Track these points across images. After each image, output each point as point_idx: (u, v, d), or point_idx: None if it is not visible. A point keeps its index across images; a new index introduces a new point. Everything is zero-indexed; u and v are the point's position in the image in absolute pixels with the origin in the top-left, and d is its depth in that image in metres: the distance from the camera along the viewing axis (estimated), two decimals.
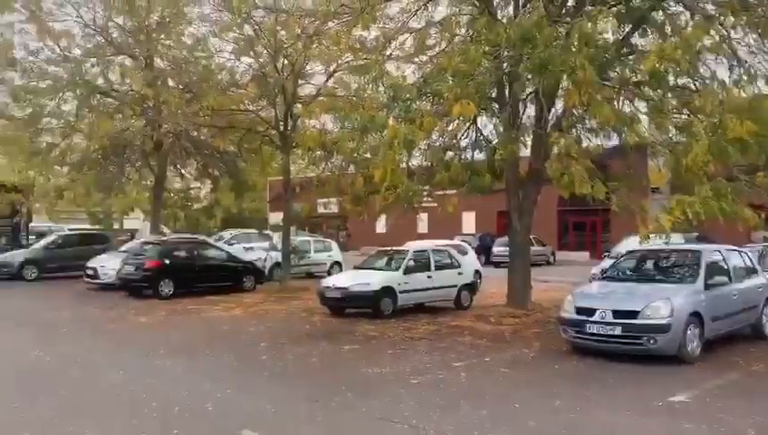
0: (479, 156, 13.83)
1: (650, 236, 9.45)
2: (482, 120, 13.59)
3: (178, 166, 25.82)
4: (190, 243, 19.45)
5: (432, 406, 6.74)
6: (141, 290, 17.13)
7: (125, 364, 8.88)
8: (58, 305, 15.28)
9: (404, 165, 12.35)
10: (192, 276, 17.57)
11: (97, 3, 20.91)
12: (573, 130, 11.97)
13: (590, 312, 9.11)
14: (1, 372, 8.30)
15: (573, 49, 9.36)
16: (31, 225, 28.33)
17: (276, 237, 22.22)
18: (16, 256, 22.03)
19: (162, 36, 21.63)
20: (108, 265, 18.88)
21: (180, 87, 21.40)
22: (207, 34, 20.30)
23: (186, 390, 7.45)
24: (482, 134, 13.71)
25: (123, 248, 21.05)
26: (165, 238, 20.60)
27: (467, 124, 12.94)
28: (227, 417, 6.39)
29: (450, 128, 12.90)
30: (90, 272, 19.24)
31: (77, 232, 26.63)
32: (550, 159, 11.13)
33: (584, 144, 12.92)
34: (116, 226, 35.99)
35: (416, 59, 14.38)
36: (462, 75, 9.93)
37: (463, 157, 13.45)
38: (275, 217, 35.88)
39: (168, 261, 17.30)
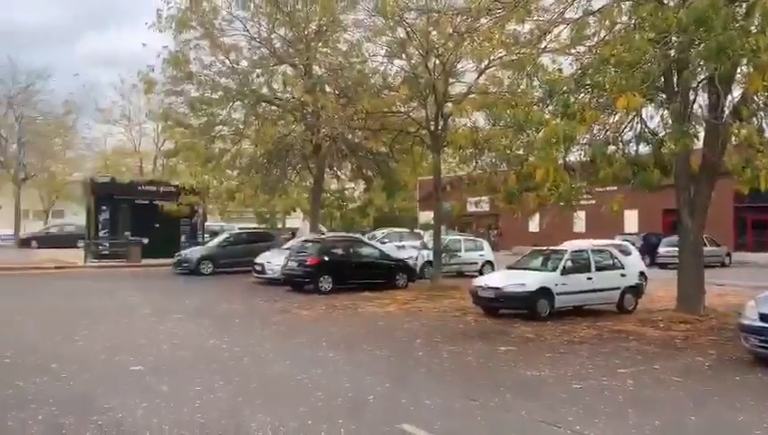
0: (644, 150, 12.98)
1: None
2: (647, 112, 12.75)
3: (335, 168, 26.95)
4: (347, 241, 20.24)
5: (597, 413, 6.44)
6: (303, 285, 18.12)
7: (291, 355, 9.43)
8: (230, 298, 16.59)
9: (561, 161, 11.95)
10: (348, 273, 18.29)
11: (261, 17, 22.41)
12: (755, 119, 10.82)
13: None
14: (184, 358, 9.15)
15: (754, 30, 8.47)
16: (206, 224, 31.14)
17: (427, 236, 22.47)
18: (194, 252, 24.25)
19: (320, 44, 22.68)
20: (273, 261, 20.18)
21: (336, 92, 22.34)
22: (361, 40, 21.01)
23: (347, 382, 7.75)
24: (647, 126, 12.85)
25: (286, 246, 22.37)
26: (323, 237, 21.60)
27: (631, 116, 12.18)
28: (388, 410, 6.55)
29: (612, 121, 12.22)
30: (258, 268, 20.70)
31: (246, 231, 28.81)
32: (727, 151, 10.17)
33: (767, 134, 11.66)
34: (279, 225, 38.43)
35: (572, 50, 13.80)
36: (626, 65, 9.36)
37: (626, 151, 12.69)
38: (425, 216, 36.37)
39: (327, 258, 18.15)
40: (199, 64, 22.61)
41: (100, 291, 17.51)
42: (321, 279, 17.69)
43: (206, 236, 29.72)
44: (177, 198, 24.77)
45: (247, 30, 22.46)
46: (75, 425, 5.88)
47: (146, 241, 26.89)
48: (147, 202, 27.76)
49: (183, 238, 28.58)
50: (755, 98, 10.30)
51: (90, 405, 6.53)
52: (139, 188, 29.37)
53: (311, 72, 22.68)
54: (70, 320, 12.31)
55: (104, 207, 28.45)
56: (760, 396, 7.10)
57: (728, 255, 29.38)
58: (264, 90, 23.34)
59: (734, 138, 10.13)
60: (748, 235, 32.74)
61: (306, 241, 20.68)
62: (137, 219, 27.82)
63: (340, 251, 19.07)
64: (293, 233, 32.11)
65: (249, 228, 32.00)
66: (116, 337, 10.65)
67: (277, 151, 23.04)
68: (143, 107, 39.66)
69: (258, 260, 20.91)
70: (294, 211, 32.94)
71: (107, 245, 27.93)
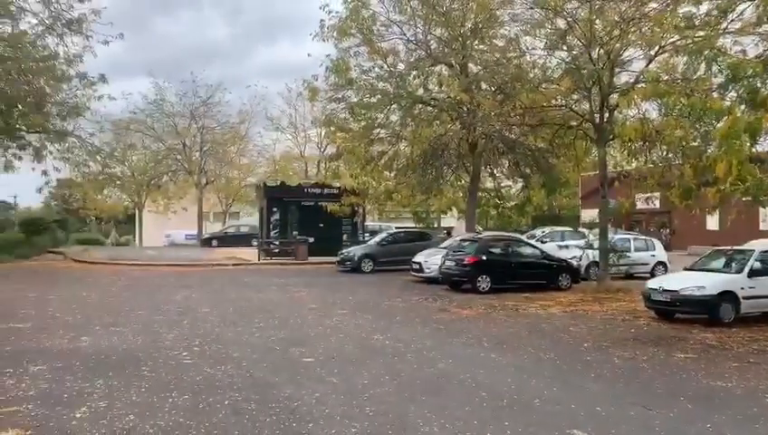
0: None
1: None
2: None
3: (491, 166, 26.63)
4: (505, 240, 19.90)
5: None
6: (461, 284, 18.11)
7: (453, 353, 9.43)
8: (390, 295, 17.00)
9: (747, 152, 10.82)
10: (507, 273, 17.97)
11: (418, 19, 22.75)
12: None
13: None
14: (351, 352, 9.50)
15: None
16: (365, 224, 32.27)
17: (592, 235, 21.44)
18: (356, 251, 25.19)
19: (476, 42, 22.53)
20: (431, 260, 20.38)
21: (493, 89, 22.07)
22: (519, 34, 20.55)
23: (512, 383, 7.59)
24: None
25: (443, 245, 22.49)
26: (481, 236, 21.43)
27: None
28: (556, 414, 6.32)
29: None
30: (416, 266, 21.03)
31: (404, 230, 29.43)
32: None
33: None
34: (434, 224, 38.75)
35: (759, 29, 12.45)
36: None
37: None
38: (588, 214, 34.75)
39: (485, 257, 17.97)
40: (359, 70, 23.48)
41: (271, 286, 18.76)
42: (479, 279, 17.55)
43: (365, 235, 30.76)
44: (340, 199, 25.91)
45: (404, 33, 22.94)
46: (256, 411, 6.33)
47: (311, 240, 28.43)
48: (312, 203, 29.38)
49: (345, 237, 29.83)
50: None
51: (268, 393, 7.01)
52: (305, 190, 31.12)
53: (466, 70, 22.62)
54: (247, 312, 13.31)
55: (274, 209, 30.54)
56: None
57: None
58: (420, 91, 23.66)
59: None
60: None
61: (464, 240, 20.63)
62: (303, 220, 29.54)
63: (498, 250, 18.79)
64: (449, 232, 32.24)
65: (406, 228, 32.63)
66: (288, 329, 11.33)
67: (433, 151, 23.24)
68: (308, 114, 42.16)
69: (416, 259, 21.23)
70: (450, 211, 33.02)
71: (277, 243, 29.90)
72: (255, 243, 32.71)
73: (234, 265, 26.97)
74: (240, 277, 21.56)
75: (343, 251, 25.51)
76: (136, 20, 66.84)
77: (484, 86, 22.89)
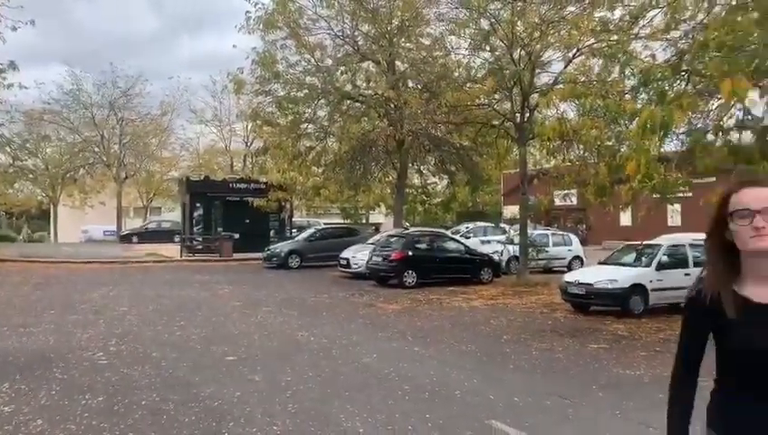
0: (747, 138, 12.16)
1: None
2: (750, 98, 11.93)
3: (417, 163, 26.97)
4: (430, 236, 20.22)
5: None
6: (387, 279, 18.28)
7: (378, 348, 9.51)
8: (317, 291, 16.94)
9: (655, 152, 11.41)
10: (433, 268, 18.29)
11: (345, 14, 22.71)
12: None
13: None
14: (275, 349, 9.42)
15: None
16: (292, 220, 31.97)
17: (512, 231, 22.09)
18: (283, 247, 24.94)
19: (402, 39, 22.73)
20: (358, 255, 20.46)
21: (419, 87, 22.34)
22: (444, 33, 20.88)
23: (434, 376, 7.73)
24: (750, 113, 12.04)
25: (370, 241, 22.61)
26: (408, 232, 21.69)
27: (733, 103, 11.46)
28: (475, 406, 6.49)
29: (712, 108, 11.54)
30: (343, 262, 21.05)
31: (331, 226, 29.37)
32: None
33: None
34: (362, 220, 38.90)
35: (667, 36, 13.14)
36: (728, 49, 8.80)
37: (727, 140, 11.95)
38: (510, 211, 35.75)
39: (411, 253, 18.21)
40: (286, 64, 23.22)
41: (194, 283, 18.33)
42: (406, 274, 17.78)
43: (293, 231, 30.51)
44: (266, 194, 25.56)
45: (331, 28, 22.85)
46: (175, 411, 6.18)
47: (237, 236, 27.91)
48: (237, 199, 28.79)
49: (272, 233, 29.47)
50: None
51: (188, 392, 6.85)
52: (231, 185, 30.50)
53: (394, 67, 22.78)
54: (168, 311, 12.95)
55: (198, 204, 29.78)
56: None
57: None
58: (348, 87, 23.66)
59: None
60: None
61: (391, 236, 20.82)
62: (228, 215, 28.94)
63: (424, 246, 19.10)
64: (377, 228, 32.46)
65: (334, 224, 32.61)
66: (210, 327, 11.10)
67: (361, 148, 23.31)
68: (233, 107, 41.31)
69: (344, 255, 21.26)
70: (378, 207, 33.26)
71: (201, 240, 29.20)
72: (178, 239, 31.81)
73: (154, 262, 26.17)
74: (161, 275, 20.94)
75: (270, 247, 25.20)
76: (52, 5, 63.47)
77: (411, 84, 23.13)
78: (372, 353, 9.09)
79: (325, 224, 31.59)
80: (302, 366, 8.17)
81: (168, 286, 17.41)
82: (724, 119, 12.18)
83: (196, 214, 29.73)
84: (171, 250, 29.90)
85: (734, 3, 11.02)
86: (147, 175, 46.25)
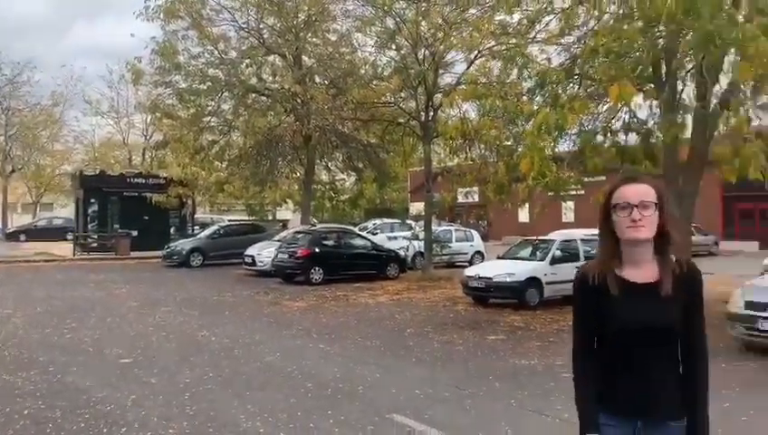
0: (633, 139, 12.99)
1: None
2: (636, 102, 12.76)
3: (325, 159, 26.89)
4: (337, 232, 20.23)
5: None
6: (294, 277, 18.12)
7: (282, 346, 9.42)
8: (220, 290, 16.54)
9: (549, 152, 11.96)
10: (339, 264, 18.31)
11: (250, 6, 22.24)
12: (742, 109, 10.86)
13: (764, 307, 8.29)
14: (174, 350, 9.12)
15: (742, 19, 8.47)
16: (195, 216, 31.03)
17: (418, 227, 22.50)
18: (184, 244, 24.15)
19: (309, 34, 22.55)
20: (264, 253, 20.15)
21: (326, 83, 22.26)
22: (351, 30, 20.92)
23: (338, 372, 7.75)
24: (635, 116, 12.87)
25: (277, 238, 22.33)
26: (314, 228, 21.59)
27: (620, 106, 12.21)
28: (378, 400, 6.57)
29: (601, 111, 12.25)
30: (248, 259, 20.65)
31: (236, 223, 28.73)
32: (714, 140, 10.20)
33: (755, 123, 11.71)
34: (269, 216, 38.32)
35: (562, 40, 13.80)
36: (615, 55, 9.36)
37: (615, 141, 12.72)
38: (416, 207, 36.37)
39: (317, 250, 18.15)
40: (188, 55, 22.45)
41: (88, 283, 17.42)
42: (312, 271, 17.70)
43: (195, 228, 29.61)
44: (166, 189, 24.66)
45: (236, 20, 22.31)
46: (62, 419, 5.85)
47: (135, 233, 26.77)
48: (135, 194, 27.60)
49: (172, 231, 28.49)
50: (743, 87, 10.29)
51: (77, 398, 6.51)
52: (128, 180, 29.20)
53: (300, 62, 22.57)
54: (58, 312, 12.24)
55: (93, 200, 28.32)
56: (746, 384, 7.18)
57: (716, 244, 29.61)
58: (254, 80, 23.21)
59: (722, 127, 10.15)
60: (736, 224, 32.98)
61: (297, 233, 20.66)
62: (125, 212, 27.70)
63: (330, 242, 19.08)
64: (284, 225, 32.07)
65: (239, 220, 31.91)
66: (105, 329, 10.60)
67: (267, 142, 22.95)
68: (131, 98, 39.47)
69: (248, 252, 20.86)
70: (285, 203, 32.89)
71: (96, 237, 27.78)
72: (71, 237, 30.06)
73: (45, 261, 24.64)
74: (52, 274, 19.76)
75: (170, 245, 24.35)
76: None
77: (317, 79, 22.99)
78: (276, 352, 8.99)
79: (230, 221, 30.86)
80: (201, 367, 7.96)
81: (60, 287, 16.45)
82: (613, 121, 12.97)
83: (90, 210, 28.26)
84: (63, 249, 28.23)
85: (621, 12, 11.72)
86: (36, 169, 43.40)
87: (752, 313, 8.40)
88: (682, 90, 12.10)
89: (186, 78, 22.69)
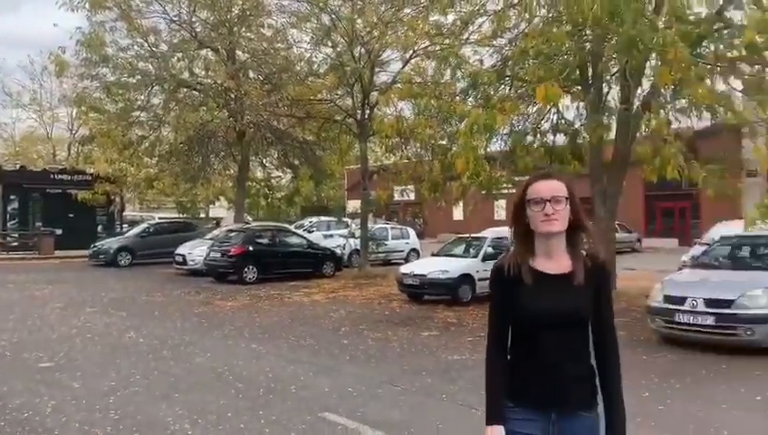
0: (561, 140, 13.42)
1: (757, 221, 8.87)
2: (564, 103, 13.18)
3: (260, 155, 26.53)
4: (272, 230, 19.98)
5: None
6: (227, 275, 17.79)
7: (212, 347, 9.23)
8: (149, 290, 16.07)
9: (482, 151, 12.20)
10: (274, 263, 18.10)
11: None
12: (662, 111, 11.39)
13: (681, 300, 8.70)
14: (99, 353, 8.80)
15: (662, 25, 8.89)
16: (124, 214, 30.01)
17: (354, 225, 22.52)
18: (112, 243, 23.32)
19: (243, 29, 22.18)
20: (195, 251, 19.70)
21: (261, 78, 21.95)
22: (286, 25, 20.70)
23: (270, 372, 7.66)
24: (564, 117, 13.30)
25: (209, 236, 21.87)
26: (248, 226, 21.27)
27: (549, 107, 12.58)
28: (310, 399, 6.53)
29: (531, 112, 12.58)
30: (179, 258, 20.14)
31: (167, 220, 27.96)
32: (636, 141, 10.65)
33: (674, 125, 12.30)
34: (202, 214, 37.49)
35: (494, 42, 14.09)
36: (544, 57, 9.63)
37: (544, 141, 13.10)
38: (353, 205, 36.41)
39: (251, 248, 17.88)
40: (116, 47, 21.70)
41: (6, 284, 16.58)
42: (246, 269, 17.43)
43: (124, 226, 28.64)
44: (93, 186, 23.76)
45: (167, 12, 21.70)
46: None
47: (59, 232, 25.66)
48: (60, 191, 26.46)
49: (99, 229, 27.50)
50: (663, 91, 10.80)
51: None
52: (52, 176, 27.96)
53: (234, 57, 22.16)
54: None
55: (13, 197, 27.06)
56: (663, 374, 7.52)
57: (639, 241, 30.92)
58: (185, 74, 22.68)
59: (644, 128, 10.61)
60: (657, 221, 34.57)
61: (230, 231, 20.30)
62: (49, 209, 26.56)
63: (265, 241, 18.83)
64: (218, 222, 31.46)
65: (170, 218, 31.06)
66: (25, 332, 10.12)
67: (199, 138, 22.47)
68: (56, 91, 37.78)
69: (179, 251, 20.36)
70: (218, 200, 32.27)
71: (16, 236, 26.48)
72: None
73: None
74: None
75: (97, 244, 23.47)
76: None
77: (252, 75, 22.64)
78: (206, 352, 8.81)
79: (160, 218, 30.01)
80: (127, 369, 7.70)
81: None
82: (542, 122, 13.36)
83: (10, 207, 26.95)
84: None
85: (550, 16, 12.07)
86: None
87: (670, 306, 8.80)
88: (607, 92, 12.59)
89: (114, 71, 21.93)
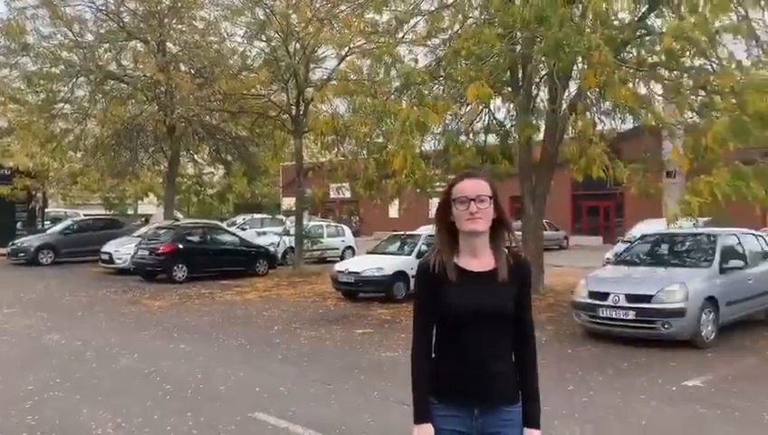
0: (493, 140, 13.71)
1: (677, 219, 9.30)
2: (495, 104, 13.48)
3: (191, 151, 25.87)
4: (203, 228, 19.54)
5: None
6: (155, 274, 17.31)
7: (139, 347, 8.96)
8: (74, 289, 15.42)
9: (417, 150, 12.32)
10: (205, 261, 17.72)
11: None
12: (588, 113, 11.81)
13: (604, 296, 9.05)
14: (16, 356, 8.39)
15: (588, 29, 9.20)
16: (46, 210, 28.67)
17: (289, 222, 22.31)
18: (32, 241, 22.25)
19: (174, 21, 21.56)
20: (122, 249, 19.07)
21: (192, 72, 21.38)
22: (219, 18, 20.27)
23: (199, 372, 7.50)
24: (495, 118, 13.59)
25: (137, 233, 21.19)
26: (178, 223, 20.73)
27: (481, 108, 12.83)
28: (241, 399, 6.43)
29: (464, 111, 12.79)
30: (105, 257, 19.43)
31: (92, 217, 26.88)
32: (564, 142, 11.00)
33: (599, 127, 12.78)
34: (130, 211, 36.26)
35: (428, 42, 14.25)
36: (475, 58, 9.81)
37: (477, 141, 13.35)
38: (288, 202, 36.05)
39: (181, 246, 17.44)
40: (38, 35, 20.66)
41: None
42: (175, 268, 16.99)
43: (46, 223, 27.35)
44: (11, 181, 22.58)
45: (93, 1, 20.81)
46: None
47: None
48: None
49: (19, 226, 26.13)
50: (589, 93, 11.19)
51: None
52: None
53: (164, 49, 21.49)
54: None
55: None
56: (587, 367, 7.81)
57: (566, 238, 32.01)
58: (113, 66, 21.83)
59: (570, 130, 10.97)
60: (583, 220, 35.86)
61: (159, 228, 19.73)
62: None
63: (196, 238, 18.40)
64: (147, 219, 30.51)
65: (96, 215, 29.89)
66: None
67: (127, 132, 21.74)
68: None
69: (105, 249, 19.63)
70: (147, 196, 31.28)
71: None
72: None
73: None
74: None
75: (16, 242, 22.33)
76: None
77: (183, 67, 22.00)
78: (133, 354, 8.53)
79: (86, 215, 28.82)
80: (47, 373, 7.37)
81: None
82: (474, 122, 13.61)
83: None
84: None
85: (483, 18, 12.31)
86: None
87: (593, 301, 9.14)
88: (537, 94, 12.96)
89: (35, 60, 20.84)
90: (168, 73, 20.06)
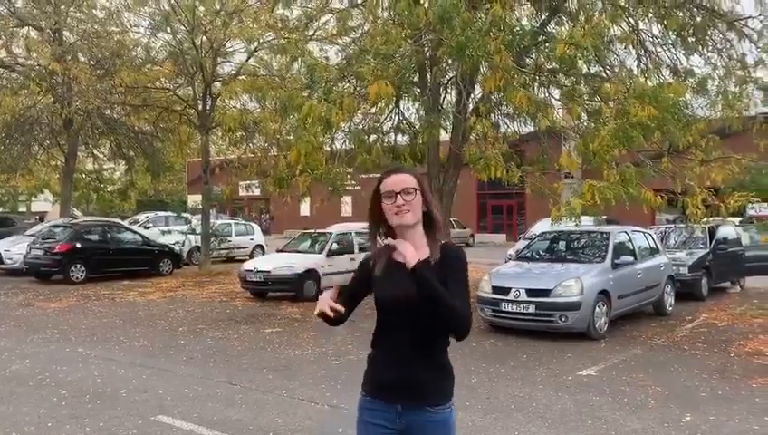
0: (402, 139, 13.91)
1: (562, 218, 9.81)
2: (404, 104, 13.68)
3: (90, 145, 24.62)
4: (102, 226, 18.66)
5: (354, 386, 6.78)
6: (51, 275, 16.41)
7: (32, 352, 8.48)
8: None
9: (327, 148, 12.32)
10: (105, 260, 16.98)
11: None
12: (491, 116, 12.23)
13: (506, 291, 9.43)
14: None
15: (490, 34, 9.52)
16: None
17: (195, 220, 21.70)
18: None
19: (71, 8, 20.44)
20: (14, 249, 17.96)
21: (92, 62, 20.36)
22: (121, 8, 19.41)
23: (98, 376, 7.20)
24: (404, 118, 13.80)
25: (30, 232, 19.96)
26: (76, 221, 19.70)
27: (390, 107, 12.99)
28: (142, 402, 6.23)
29: (373, 111, 12.90)
30: None
31: None
32: (469, 143, 11.33)
33: (501, 129, 13.26)
34: (23, 208, 34.06)
35: (338, 40, 14.27)
36: (382, 57, 9.93)
37: (386, 140, 13.50)
38: (194, 200, 35.05)
39: (79, 245, 16.60)
40: None
41: None
42: (73, 268, 16.19)
43: None
44: None
45: None
46: None
47: None
48: None
49: None
50: (491, 96, 11.58)
51: None
52: None
53: (61, 37, 20.35)
54: None
55: None
56: (490, 360, 8.12)
57: (472, 235, 33.03)
58: (2, 53, 20.44)
59: (473, 131, 11.31)
60: (488, 218, 37.10)
61: (55, 226, 18.68)
62: None
63: (95, 237, 17.55)
64: (41, 217, 28.79)
65: None
66: None
67: (19, 125, 20.41)
68: None
69: None
70: (42, 193, 29.50)
71: None
72: None
73: None
74: None
75: None
76: None
77: (81, 58, 20.91)
78: (24, 359, 8.06)
79: None
80: None
81: None
82: (384, 121, 13.76)
83: None
84: None
85: (392, 19, 12.46)
86: None
87: (496, 296, 9.52)
88: (445, 96, 13.26)
89: None
90: (64, 64, 18.99)
